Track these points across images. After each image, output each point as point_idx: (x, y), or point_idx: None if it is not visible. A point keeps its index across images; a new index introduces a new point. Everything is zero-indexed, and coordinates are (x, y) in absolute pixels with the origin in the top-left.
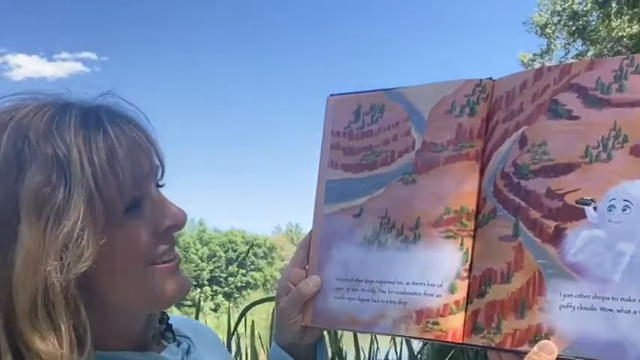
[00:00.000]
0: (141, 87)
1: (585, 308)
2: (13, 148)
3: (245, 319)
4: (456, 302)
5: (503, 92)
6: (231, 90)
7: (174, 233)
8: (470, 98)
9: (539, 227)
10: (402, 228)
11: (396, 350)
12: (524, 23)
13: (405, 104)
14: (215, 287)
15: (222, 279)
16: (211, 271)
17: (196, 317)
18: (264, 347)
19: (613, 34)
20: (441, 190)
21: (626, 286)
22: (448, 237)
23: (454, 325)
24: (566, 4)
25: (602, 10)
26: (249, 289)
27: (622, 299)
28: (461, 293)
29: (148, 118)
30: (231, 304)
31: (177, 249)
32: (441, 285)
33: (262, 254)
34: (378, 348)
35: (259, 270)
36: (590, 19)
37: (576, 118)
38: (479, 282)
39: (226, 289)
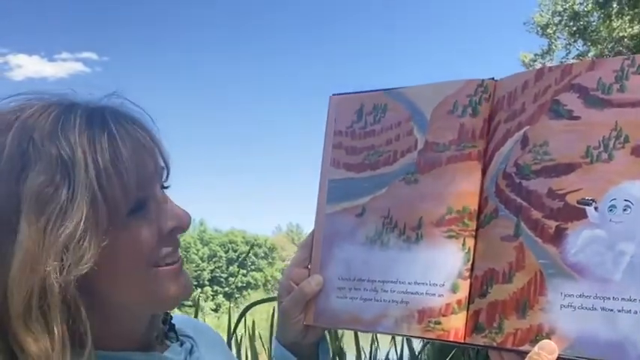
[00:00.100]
0: (141, 87)
1: (586, 308)
2: (17, 148)
3: (245, 319)
4: (458, 302)
5: (505, 92)
6: (231, 90)
7: (178, 235)
8: (472, 98)
9: (540, 227)
10: (405, 228)
11: (396, 350)
12: (525, 23)
13: (407, 104)
14: (216, 287)
15: (222, 279)
16: (212, 271)
17: (195, 317)
18: (265, 347)
19: (614, 35)
20: (443, 190)
21: (626, 286)
22: (450, 237)
23: (456, 325)
24: (567, 5)
25: (603, 11)
26: (249, 290)
27: (623, 299)
28: (463, 293)
29: (154, 119)
30: (231, 305)
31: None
32: (443, 285)
33: (263, 254)
34: (378, 348)
35: (260, 270)
36: (591, 19)
37: (577, 118)
38: (480, 282)
39: (227, 289)
